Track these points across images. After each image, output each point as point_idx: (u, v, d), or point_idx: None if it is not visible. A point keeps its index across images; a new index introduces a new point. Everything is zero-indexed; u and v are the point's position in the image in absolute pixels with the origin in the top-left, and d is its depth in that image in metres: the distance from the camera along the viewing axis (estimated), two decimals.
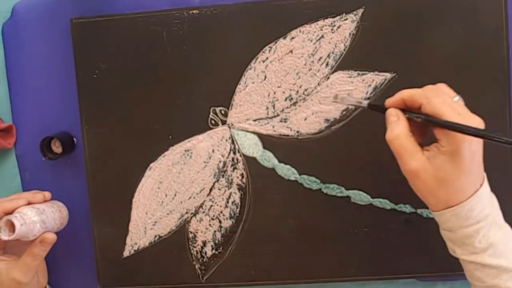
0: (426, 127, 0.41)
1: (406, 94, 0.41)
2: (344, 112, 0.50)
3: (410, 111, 0.41)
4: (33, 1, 0.54)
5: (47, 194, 0.51)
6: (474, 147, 0.38)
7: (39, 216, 0.47)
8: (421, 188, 0.40)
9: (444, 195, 0.39)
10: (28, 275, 0.47)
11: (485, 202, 0.39)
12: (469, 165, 0.38)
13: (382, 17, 0.49)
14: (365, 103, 0.45)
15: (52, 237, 0.48)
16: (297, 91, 0.51)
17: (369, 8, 0.49)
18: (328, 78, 0.51)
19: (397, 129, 0.40)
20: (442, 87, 0.41)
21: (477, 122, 0.38)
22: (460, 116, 0.38)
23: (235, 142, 0.52)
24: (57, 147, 0.53)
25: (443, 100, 0.39)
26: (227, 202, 0.52)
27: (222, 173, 0.52)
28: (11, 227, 0.46)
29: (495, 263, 0.39)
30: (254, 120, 0.52)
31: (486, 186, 0.40)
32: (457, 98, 0.40)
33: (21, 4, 0.54)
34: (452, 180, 0.38)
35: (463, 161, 0.38)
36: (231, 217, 0.52)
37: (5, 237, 0.45)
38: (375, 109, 0.44)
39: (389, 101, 0.42)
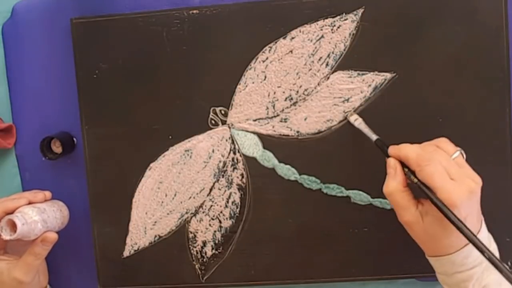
0: None
1: (403, 153, 0.41)
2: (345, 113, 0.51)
3: (408, 168, 0.41)
4: (33, 1, 0.54)
5: (48, 194, 0.51)
6: (464, 212, 0.37)
7: (40, 216, 0.47)
8: (415, 237, 0.42)
9: (434, 248, 0.41)
10: (29, 275, 0.47)
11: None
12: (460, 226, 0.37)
13: (382, 17, 0.49)
14: (374, 137, 0.46)
15: (53, 236, 0.48)
16: (297, 91, 0.51)
17: (369, 8, 0.49)
18: (328, 78, 0.50)
19: (392, 185, 0.41)
20: (442, 144, 0.41)
21: (470, 187, 0.38)
22: (453, 182, 0.38)
23: (235, 142, 0.52)
24: (57, 147, 0.53)
25: (435, 169, 0.38)
26: (227, 202, 0.52)
27: (222, 173, 0.52)
28: (13, 226, 0.46)
29: None
30: (254, 120, 0.52)
31: (482, 232, 0.40)
32: (456, 154, 0.40)
33: (21, 4, 0.54)
34: (441, 238, 0.39)
35: (451, 225, 0.37)
36: (231, 217, 0.53)
37: (7, 236, 0.45)
38: (380, 148, 0.45)
39: (391, 151, 0.43)
